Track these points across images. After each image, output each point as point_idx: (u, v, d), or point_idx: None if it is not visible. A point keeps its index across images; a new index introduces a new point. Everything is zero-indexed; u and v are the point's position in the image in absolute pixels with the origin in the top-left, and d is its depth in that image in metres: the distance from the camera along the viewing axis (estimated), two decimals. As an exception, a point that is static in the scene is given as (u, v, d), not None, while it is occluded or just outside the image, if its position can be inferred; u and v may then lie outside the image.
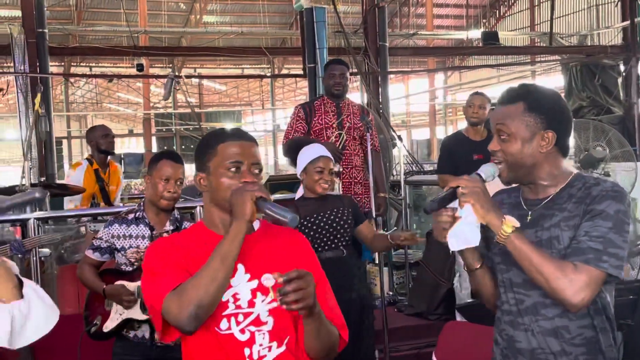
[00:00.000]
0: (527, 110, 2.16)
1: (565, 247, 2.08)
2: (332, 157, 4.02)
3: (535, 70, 20.36)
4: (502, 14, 25.60)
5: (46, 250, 4.48)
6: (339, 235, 4.04)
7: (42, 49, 9.89)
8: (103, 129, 6.22)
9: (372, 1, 11.42)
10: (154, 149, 21.82)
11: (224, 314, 2.07)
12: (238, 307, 2.09)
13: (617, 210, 2.04)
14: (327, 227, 4.02)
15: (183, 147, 23.83)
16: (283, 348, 2.11)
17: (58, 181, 8.80)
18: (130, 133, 28.79)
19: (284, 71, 22.73)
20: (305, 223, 3.99)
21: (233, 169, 2.11)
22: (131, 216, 3.76)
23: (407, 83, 26.75)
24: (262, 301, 2.10)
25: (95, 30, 17.61)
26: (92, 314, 3.81)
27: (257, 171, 2.15)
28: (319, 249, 3.92)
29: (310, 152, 4.01)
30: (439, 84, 25.82)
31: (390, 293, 6.63)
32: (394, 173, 7.22)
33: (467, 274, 5.47)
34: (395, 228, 6.69)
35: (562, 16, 19.32)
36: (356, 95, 13.93)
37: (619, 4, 13.09)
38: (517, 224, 2.05)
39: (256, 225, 2.20)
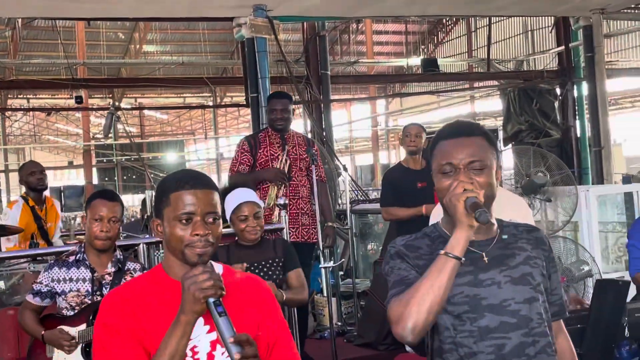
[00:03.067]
0: (489, 145, 2.15)
1: (539, 283, 2.14)
2: (256, 201, 3.90)
3: (474, 95, 20.76)
4: (440, 39, 26.05)
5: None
6: None
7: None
8: (30, 166, 6.06)
9: (313, 30, 11.48)
10: (95, 181, 21.46)
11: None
12: None
13: None
14: None
15: (125, 177, 23.52)
16: None
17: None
18: (70, 165, 28.27)
19: (226, 99, 22.66)
20: None
21: (184, 221, 2.04)
22: (72, 258, 3.67)
23: (349, 109, 26.94)
24: (222, 354, 2.04)
25: (32, 62, 17.29)
26: (34, 362, 3.69)
27: (211, 220, 2.05)
28: None
29: (232, 200, 3.89)
30: (380, 109, 26.09)
31: (339, 323, 6.59)
32: (340, 202, 7.22)
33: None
34: (342, 260, 6.67)
35: (499, 41, 19.75)
36: (299, 122, 13.97)
37: (554, 29, 13.43)
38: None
39: (219, 270, 2.14)
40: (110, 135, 24.04)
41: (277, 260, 3.95)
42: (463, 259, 1.99)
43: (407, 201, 5.35)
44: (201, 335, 2.05)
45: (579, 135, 12.60)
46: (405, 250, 2.16)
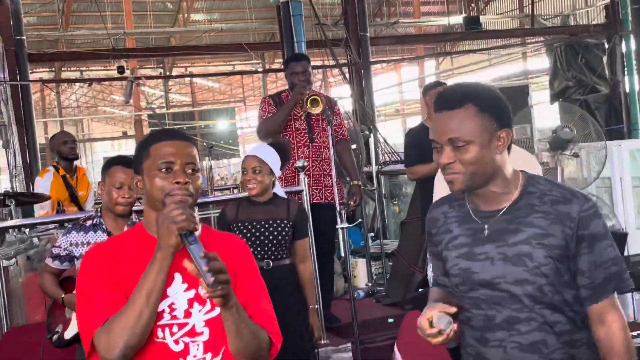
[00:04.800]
0: (480, 112, 2.00)
1: (538, 265, 1.99)
2: (260, 157, 3.89)
3: (526, 52, 20.29)
4: (488, -1, 25.48)
5: (11, 260, 4.49)
6: (266, 248, 3.93)
7: (21, 56, 9.89)
8: (62, 136, 6.21)
9: (351, -9, 11.36)
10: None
11: (159, 323, 2.05)
12: (174, 317, 2.07)
13: (603, 224, 2.03)
14: (256, 237, 3.94)
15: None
16: (218, 358, 2.10)
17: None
18: (125, 135, 28.80)
19: (275, 65, 22.69)
20: (235, 227, 3.97)
21: (164, 169, 2.08)
22: (89, 223, 3.78)
23: (399, 72, 26.68)
24: (199, 311, 2.08)
25: (82, 34, 17.60)
26: (54, 322, 3.83)
27: (190, 171, 2.09)
28: None
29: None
30: (429, 70, 25.75)
31: (369, 284, 6.64)
32: (368, 164, 7.20)
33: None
34: (360, 220, 6.68)
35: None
36: (344, 87, 13.88)
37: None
38: None
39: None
40: (163, 103, 24.40)
41: (286, 221, 3.96)
42: None
43: (431, 160, 5.31)
44: (179, 293, 2.09)
45: (627, 90, 12.26)
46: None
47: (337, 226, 4.91)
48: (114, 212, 3.70)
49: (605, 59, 12.80)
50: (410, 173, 5.52)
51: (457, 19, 15.12)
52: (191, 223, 1.95)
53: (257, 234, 3.95)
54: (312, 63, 10.88)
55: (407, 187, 7.10)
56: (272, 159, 3.95)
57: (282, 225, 3.95)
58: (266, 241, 3.93)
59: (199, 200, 2.45)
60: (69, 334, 3.72)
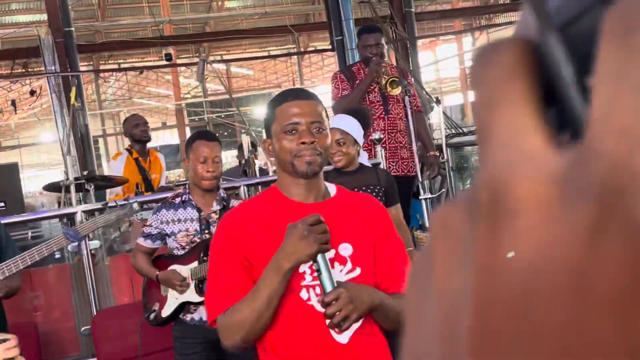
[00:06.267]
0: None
1: None
2: (343, 129, 3.82)
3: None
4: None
5: (96, 242, 4.49)
6: None
7: (70, 47, 9.94)
8: (133, 119, 6.24)
9: (393, -32, 11.23)
10: (189, 139, 21.86)
11: (302, 284, 2.05)
12: (315, 278, 2.04)
13: None
14: None
15: (217, 134, 23.87)
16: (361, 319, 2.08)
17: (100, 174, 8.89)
18: (164, 125, 28.96)
19: (310, 48, 22.57)
20: None
21: (291, 131, 2.09)
22: (178, 200, 3.76)
23: (434, 50, 26.42)
24: (340, 271, 2.06)
25: (120, 25, 17.69)
26: (150, 301, 3.83)
27: (316, 129, 2.10)
28: None
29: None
30: (467, 46, 25.48)
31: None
32: (434, 137, 7.12)
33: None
34: (443, 190, 6.59)
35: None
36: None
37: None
38: None
39: (332, 190, 2.19)
40: (199, 93, 24.48)
41: (378, 187, 3.93)
42: None
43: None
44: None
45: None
46: None
47: (420, 197, 4.84)
48: (200, 187, 3.68)
49: None
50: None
51: (501, -9, 14.92)
52: (329, 247, 1.97)
53: None
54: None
55: (474, 159, 6.99)
56: (355, 128, 3.89)
57: (375, 191, 3.90)
58: None
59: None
60: (166, 312, 3.71)
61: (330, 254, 2.05)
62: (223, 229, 2.12)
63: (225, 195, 3.79)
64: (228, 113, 22.65)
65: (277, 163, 2.16)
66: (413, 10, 11.38)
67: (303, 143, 2.06)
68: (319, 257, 1.93)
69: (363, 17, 10.74)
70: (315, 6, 18.50)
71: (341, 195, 2.18)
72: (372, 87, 5.26)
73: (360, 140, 3.94)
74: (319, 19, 17.50)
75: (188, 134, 22.66)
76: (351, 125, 3.90)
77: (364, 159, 4.08)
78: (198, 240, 3.69)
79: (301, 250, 1.92)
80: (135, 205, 4.32)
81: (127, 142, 6.32)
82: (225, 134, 25.19)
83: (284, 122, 2.10)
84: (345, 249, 2.06)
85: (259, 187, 4.95)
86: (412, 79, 5.59)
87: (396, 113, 5.28)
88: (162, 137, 31.02)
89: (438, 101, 6.13)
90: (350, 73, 5.39)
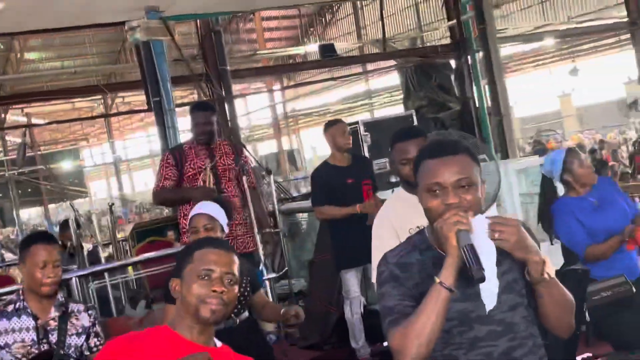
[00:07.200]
0: (473, 162, 2.14)
1: (521, 288, 2.13)
2: (207, 212, 3.70)
3: (368, 73, 20.88)
4: (327, 21, 26.14)
5: None
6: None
7: None
8: None
9: (207, 26, 11.22)
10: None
11: None
12: None
13: None
14: None
15: (20, 191, 22.49)
16: None
17: None
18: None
19: (118, 100, 21.98)
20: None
21: (204, 277, 2.15)
22: (10, 308, 3.45)
23: (245, 98, 26.71)
24: None
25: None
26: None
27: (228, 281, 2.17)
28: None
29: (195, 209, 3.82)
30: (277, 96, 26.02)
31: (278, 327, 6.50)
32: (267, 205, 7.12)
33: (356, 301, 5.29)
34: (286, 269, 6.55)
35: (388, 16, 19.96)
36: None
37: (444, 4, 13.66)
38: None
39: (218, 343, 2.24)
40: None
41: (244, 278, 3.82)
42: (454, 290, 2.01)
43: (338, 198, 5.30)
44: None
45: (477, 105, 12.89)
46: (398, 272, 2.16)
47: (264, 278, 4.78)
48: (39, 293, 3.41)
49: (453, 77, 13.41)
50: (319, 212, 5.49)
51: (312, 47, 15.40)
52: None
53: None
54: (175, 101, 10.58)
55: (304, 225, 7.06)
56: (221, 215, 3.79)
57: (244, 281, 3.79)
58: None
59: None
60: None
61: None
62: (106, 355, 2.11)
63: (63, 299, 3.53)
64: (32, 170, 21.38)
65: (180, 303, 2.21)
66: (228, 68, 11.42)
67: (214, 291, 2.14)
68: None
69: (178, 75, 10.60)
70: (123, 65, 18.07)
71: (226, 349, 2.25)
72: (203, 167, 5.12)
73: (226, 229, 3.82)
74: (126, 75, 17.10)
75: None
76: (218, 212, 3.78)
77: None
78: (36, 351, 3.39)
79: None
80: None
81: None
82: (29, 190, 23.74)
83: (200, 267, 2.17)
84: None
85: (90, 277, 4.62)
86: (246, 152, 5.53)
87: (230, 191, 5.18)
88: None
89: (269, 172, 6.13)
90: (180, 153, 5.20)
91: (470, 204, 2.08)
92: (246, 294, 3.79)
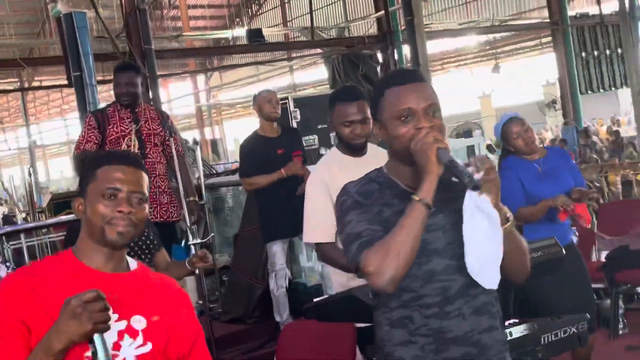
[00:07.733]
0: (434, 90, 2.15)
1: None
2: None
3: (293, 67, 20.87)
4: (254, 12, 26.01)
5: None
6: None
7: None
8: None
9: (132, 4, 10.97)
10: None
11: (86, 354, 1.82)
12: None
13: None
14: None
15: None
16: None
17: None
18: None
19: (35, 83, 21.27)
20: None
21: (109, 197, 1.93)
22: None
23: (167, 87, 26.26)
24: (130, 345, 1.90)
25: None
26: None
27: (137, 200, 1.95)
28: None
29: None
30: (201, 85, 25.70)
31: (200, 302, 6.37)
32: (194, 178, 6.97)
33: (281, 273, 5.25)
34: (212, 234, 6.42)
35: (318, 9, 19.98)
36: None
37: (372, -5, 13.76)
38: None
39: (133, 264, 2.03)
40: None
41: (148, 237, 3.68)
42: (433, 208, 1.98)
43: (268, 170, 5.21)
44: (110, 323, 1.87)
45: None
46: (361, 199, 2.11)
47: (189, 243, 4.67)
48: None
49: (379, 69, 13.53)
50: (247, 184, 5.40)
51: (239, 32, 15.21)
52: (108, 327, 1.78)
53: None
54: (98, 77, 10.29)
55: (229, 200, 6.94)
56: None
57: (148, 240, 3.66)
58: (132, 253, 3.59)
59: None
60: None
61: (121, 325, 1.90)
62: (3, 293, 1.87)
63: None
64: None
65: (85, 227, 1.98)
66: (153, 47, 11.20)
67: (120, 211, 1.92)
68: (96, 338, 1.76)
69: (102, 52, 10.32)
70: (43, 40, 17.49)
71: (142, 270, 2.06)
72: (127, 131, 4.94)
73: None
74: (43, 53, 16.56)
75: None
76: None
77: None
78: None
79: (72, 329, 1.72)
80: None
81: None
82: None
83: (104, 185, 1.94)
84: (139, 322, 1.93)
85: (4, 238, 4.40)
86: (172, 121, 5.36)
87: (154, 157, 5.02)
88: None
89: (196, 142, 5.99)
90: (103, 116, 5.00)
91: (440, 129, 2.07)
92: (148, 253, 3.68)
